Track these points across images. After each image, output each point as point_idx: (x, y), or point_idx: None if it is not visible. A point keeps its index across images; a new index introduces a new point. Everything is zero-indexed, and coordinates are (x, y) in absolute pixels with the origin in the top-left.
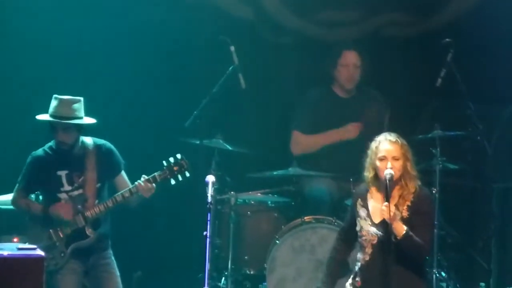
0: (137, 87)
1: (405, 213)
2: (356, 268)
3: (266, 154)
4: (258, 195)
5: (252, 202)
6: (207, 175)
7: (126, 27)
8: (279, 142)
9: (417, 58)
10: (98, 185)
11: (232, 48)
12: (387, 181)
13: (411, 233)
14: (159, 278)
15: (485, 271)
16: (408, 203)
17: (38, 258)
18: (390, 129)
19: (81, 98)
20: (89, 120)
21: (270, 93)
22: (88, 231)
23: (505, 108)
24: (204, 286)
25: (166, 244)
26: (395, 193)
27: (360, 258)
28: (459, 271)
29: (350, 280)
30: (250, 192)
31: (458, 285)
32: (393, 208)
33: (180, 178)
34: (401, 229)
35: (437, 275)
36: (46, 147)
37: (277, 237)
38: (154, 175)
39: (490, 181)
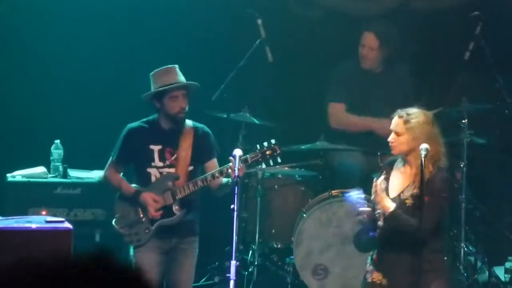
0: (163, 60)
1: (416, 190)
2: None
3: (293, 127)
4: (285, 168)
5: (280, 176)
6: (234, 149)
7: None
8: (307, 115)
9: (445, 31)
10: (191, 168)
11: (260, 21)
12: (422, 157)
13: (399, 212)
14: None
15: None
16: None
17: (67, 231)
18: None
19: (176, 65)
20: (191, 82)
21: (297, 67)
22: (175, 209)
23: None
24: (231, 259)
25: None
26: (411, 169)
27: (377, 232)
28: (487, 245)
29: (371, 252)
30: (277, 166)
31: (486, 259)
32: (381, 186)
33: (271, 163)
34: (388, 207)
35: (465, 249)
36: (143, 120)
37: (304, 210)
38: (246, 157)
39: None
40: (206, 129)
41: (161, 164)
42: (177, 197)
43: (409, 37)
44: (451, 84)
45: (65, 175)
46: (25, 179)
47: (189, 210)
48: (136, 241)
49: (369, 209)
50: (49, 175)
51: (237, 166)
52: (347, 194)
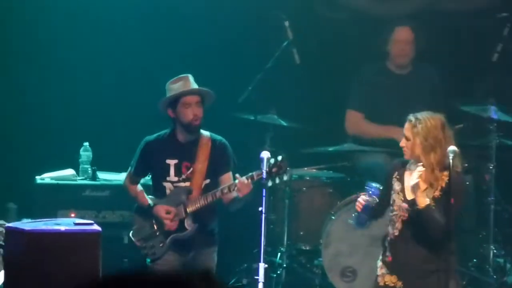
0: (190, 62)
1: (437, 193)
2: (386, 243)
3: (320, 129)
4: (313, 170)
5: (307, 178)
6: (261, 151)
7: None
8: (334, 117)
9: (473, 32)
10: (207, 181)
11: (287, 23)
12: (450, 160)
13: (433, 207)
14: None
15: None
16: (442, 184)
17: (95, 233)
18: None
19: (189, 75)
20: (205, 89)
21: (324, 69)
22: (187, 224)
23: None
24: (259, 261)
25: (222, 219)
26: (426, 172)
27: (390, 233)
28: None
29: (380, 256)
30: (305, 168)
31: None
32: (415, 181)
33: (277, 180)
34: (423, 200)
35: (494, 251)
36: (160, 133)
37: (332, 212)
38: (252, 174)
39: None
40: (224, 141)
41: (176, 178)
42: (188, 211)
43: (435, 39)
44: (479, 86)
45: (93, 177)
46: (54, 182)
47: (204, 222)
48: (152, 254)
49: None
50: (78, 178)
51: (264, 168)
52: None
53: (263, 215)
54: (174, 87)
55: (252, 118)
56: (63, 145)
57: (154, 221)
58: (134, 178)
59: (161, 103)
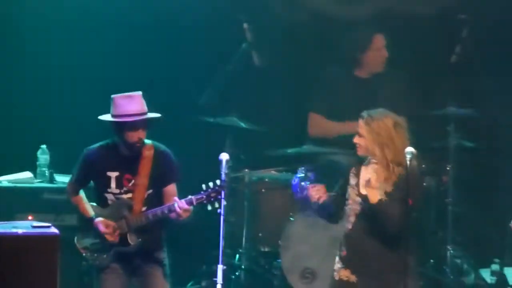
0: (150, 63)
1: (390, 188)
2: (342, 238)
3: (280, 131)
4: (272, 172)
5: (267, 180)
6: (220, 153)
7: (140, 1)
8: (293, 119)
9: (432, 34)
10: (149, 191)
11: (246, 25)
12: (407, 160)
13: (386, 202)
14: (173, 255)
15: (500, 247)
16: (395, 179)
17: (53, 236)
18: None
19: (140, 92)
20: (154, 115)
21: (285, 71)
22: (130, 239)
23: None
24: (218, 263)
25: (181, 221)
26: (380, 168)
27: (346, 227)
28: (473, 248)
29: (338, 252)
30: (264, 170)
31: (472, 262)
32: (368, 176)
33: (216, 205)
34: (375, 195)
35: (451, 251)
36: (102, 143)
37: (291, 214)
38: (191, 198)
39: (506, 157)
40: (167, 151)
41: (117, 191)
42: (131, 226)
43: (393, 42)
44: (438, 87)
45: (51, 180)
46: (11, 184)
47: (148, 235)
48: (97, 265)
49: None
50: (36, 180)
51: (224, 170)
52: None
53: (222, 217)
54: (122, 107)
55: (212, 120)
56: (20, 147)
57: (97, 232)
58: (75, 187)
59: (107, 119)
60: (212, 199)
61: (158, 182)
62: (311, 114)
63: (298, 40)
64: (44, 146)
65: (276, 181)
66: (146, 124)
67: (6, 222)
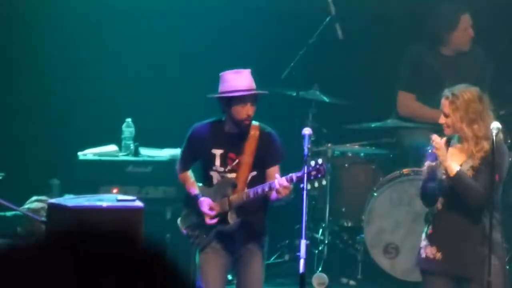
0: (233, 39)
1: (477, 163)
2: (431, 217)
3: (363, 105)
4: (355, 147)
5: (349, 154)
6: (304, 127)
7: None
8: (377, 94)
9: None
10: (253, 173)
11: None
12: (493, 136)
13: (464, 173)
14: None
15: None
16: (483, 155)
17: (137, 209)
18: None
19: (249, 69)
20: (262, 91)
21: (368, 44)
22: (230, 217)
23: None
24: (301, 237)
25: (282, 200)
26: (468, 145)
27: (435, 207)
28: None
29: (425, 229)
30: (347, 144)
31: None
32: (444, 150)
33: (316, 184)
34: (453, 168)
35: None
36: (209, 120)
37: (374, 189)
38: (291, 175)
39: None
40: (273, 133)
41: (222, 169)
42: (233, 205)
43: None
44: None
45: (136, 153)
46: (96, 158)
47: (249, 216)
48: (197, 244)
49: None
50: (121, 153)
51: (307, 145)
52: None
53: (305, 191)
54: (231, 82)
55: (294, 94)
56: (105, 121)
57: (199, 212)
58: (183, 165)
59: (216, 95)
60: (312, 177)
61: (262, 163)
62: (400, 92)
63: (383, 14)
64: (129, 119)
65: (359, 155)
66: (255, 100)
67: (91, 195)
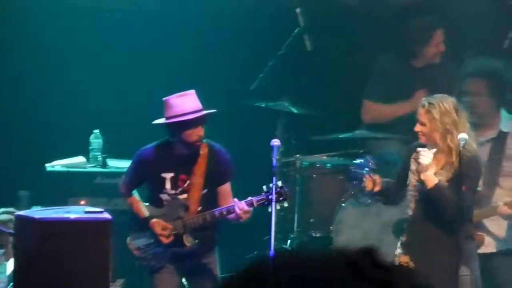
0: (202, 50)
1: (451, 174)
2: (405, 224)
3: (332, 116)
4: (324, 157)
5: (318, 165)
6: (272, 138)
7: None
8: (346, 105)
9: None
10: (204, 191)
11: (298, 10)
12: (460, 147)
13: (443, 185)
14: (225, 241)
15: None
16: (452, 168)
17: (105, 221)
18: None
19: (193, 90)
20: (211, 111)
21: (336, 55)
22: (186, 240)
23: None
24: (269, 248)
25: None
26: (441, 154)
27: (408, 213)
28: None
29: (400, 237)
30: (316, 155)
31: None
32: (426, 159)
33: (278, 206)
34: (431, 180)
35: None
36: (156, 143)
37: (343, 199)
38: (251, 200)
39: None
40: (222, 152)
41: (173, 191)
42: (187, 227)
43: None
44: None
45: (104, 164)
46: (64, 169)
47: (204, 236)
48: (151, 266)
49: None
50: (89, 165)
51: (275, 156)
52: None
53: (273, 202)
54: (179, 105)
55: (264, 105)
56: (73, 132)
57: (151, 233)
58: (129, 187)
59: (166, 122)
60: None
61: (213, 181)
62: (365, 101)
63: (351, 25)
64: (97, 131)
65: (327, 166)
66: (204, 121)
67: (59, 207)
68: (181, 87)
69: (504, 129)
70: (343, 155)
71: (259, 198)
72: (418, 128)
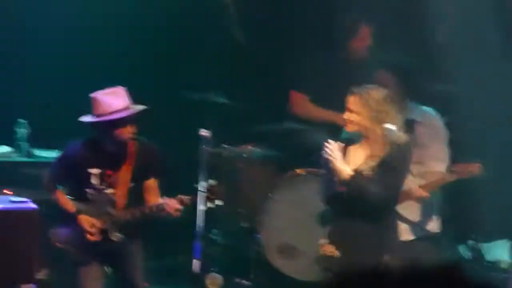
0: (132, 41)
1: (376, 164)
2: (331, 215)
3: (260, 107)
4: (252, 148)
5: (246, 156)
6: (201, 129)
7: None
8: (273, 95)
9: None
10: (131, 185)
11: (228, 0)
12: (387, 137)
13: (358, 176)
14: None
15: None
16: (378, 158)
17: (31, 211)
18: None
19: (122, 87)
20: (141, 107)
21: (265, 47)
22: (113, 235)
23: None
24: (196, 239)
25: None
26: (369, 144)
27: (334, 205)
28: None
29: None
30: (243, 146)
31: (449, 237)
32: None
33: (209, 205)
34: (344, 170)
35: None
36: (84, 139)
37: (270, 190)
38: (182, 198)
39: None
40: (151, 146)
41: (99, 186)
42: (114, 222)
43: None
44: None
45: (29, 154)
46: None
47: (131, 232)
48: (76, 259)
49: None
50: (14, 155)
51: (203, 147)
52: None
53: (200, 192)
54: (108, 102)
55: (193, 96)
56: None
57: (77, 228)
58: (54, 182)
59: (95, 120)
60: (205, 199)
61: (140, 176)
62: (293, 93)
63: (280, 16)
64: (22, 120)
65: (255, 157)
66: (135, 118)
67: None
68: (111, 79)
69: (412, 118)
70: (270, 146)
71: (191, 197)
72: (347, 115)
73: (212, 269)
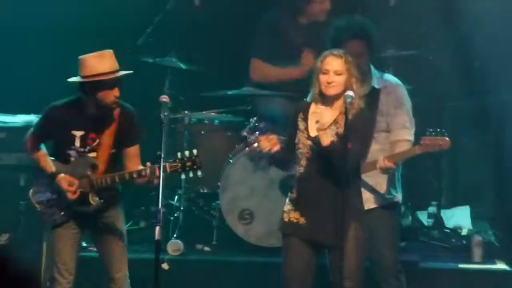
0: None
1: (341, 129)
2: (294, 181)
3: (220, 73)
4: (212, 114)
5: (206, 121)
6: (161, 94)
7: None
8: (234, 61)
9: None
10: (113, 151)
11: None
12: (346, 104)
13: (337, 143)
14: None
15: (436, 189)
16: (342, 122)
17: None
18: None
19: (111, 50)
20: (128, 72)
21: (224, 12)
22: (92, 199)
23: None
24: (157, 204)
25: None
26: (337, 106)
27: (296, 171)
28: (410, 190)
29: (289, 193)
30: (204, 112)
31: (409, 204)
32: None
33: (191, 174)
34: (326, 138)
35: None
36: (68, 100)
37: (230, 156)
38: (165, 165)
39: (442, 99)
40: (134, 113)
41: (81, 149)
42: (94, 186)
43: None
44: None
45: None
46: None
47: (109, 195)
48: (52, 221)
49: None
50: None
51: (163, 112)
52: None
53: (162, 158)
54: (95, 65)
55: (151, 60)
56: None
57: (55, 188)
58: (36, 143)
59: (82, 81)
60: (187, 168)
61: (122, 142)
62: (252, 59)
63: None
64: None
65: (215, 123)
66: (120, 82)
67: None
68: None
69: (376, 86)
70: (231, 112)
71: (173, 164)
72: (333, 77)
73: (173, 235)
